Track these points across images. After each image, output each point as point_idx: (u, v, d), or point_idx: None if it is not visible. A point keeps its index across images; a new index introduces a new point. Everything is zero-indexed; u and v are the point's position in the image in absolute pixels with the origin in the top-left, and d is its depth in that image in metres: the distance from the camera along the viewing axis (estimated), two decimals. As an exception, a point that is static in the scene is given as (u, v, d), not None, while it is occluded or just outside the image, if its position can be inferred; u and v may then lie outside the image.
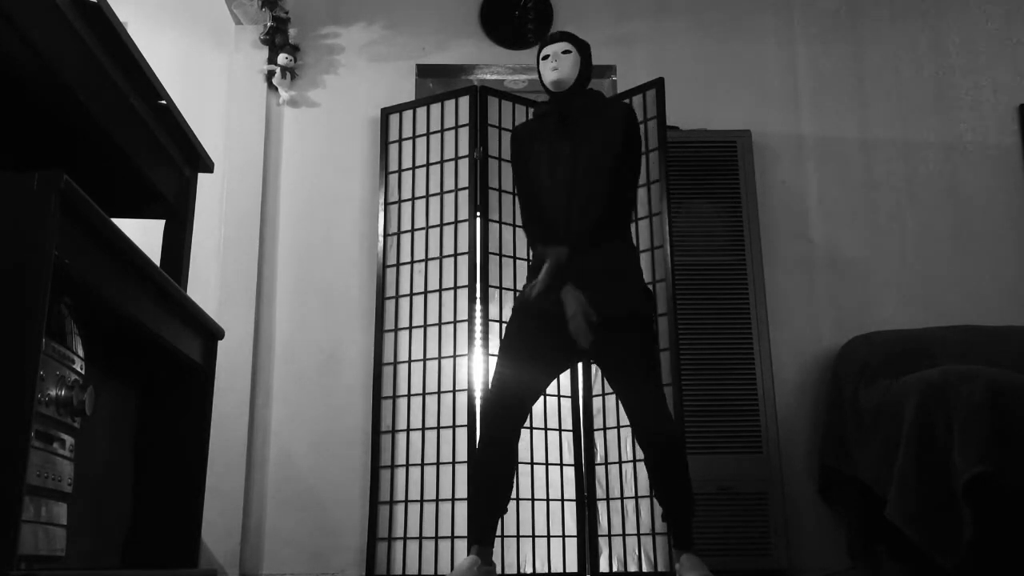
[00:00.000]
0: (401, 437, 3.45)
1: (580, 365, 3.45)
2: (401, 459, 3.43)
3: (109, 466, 2.01)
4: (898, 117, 4.18)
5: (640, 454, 3.24)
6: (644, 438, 2.58)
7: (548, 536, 3.29)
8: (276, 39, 4.01)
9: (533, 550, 3.26)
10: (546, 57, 2.82)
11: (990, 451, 2.62)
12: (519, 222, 3.55)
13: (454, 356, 3.42)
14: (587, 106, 2.80)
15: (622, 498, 3.26)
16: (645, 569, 3.14)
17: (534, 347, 2.64)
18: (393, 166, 3.78)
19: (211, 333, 2.25)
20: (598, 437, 3.38)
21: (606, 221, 2.67)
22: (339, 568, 3.61)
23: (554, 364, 2.72)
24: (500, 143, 3.62)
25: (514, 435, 2.63)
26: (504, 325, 3.39)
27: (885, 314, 3.87)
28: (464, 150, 3.62)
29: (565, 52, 2.79)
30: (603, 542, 3.29)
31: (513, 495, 3.24)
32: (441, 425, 3.38)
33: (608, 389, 3.38)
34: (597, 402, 3.41)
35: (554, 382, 3.41)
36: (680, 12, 4.25)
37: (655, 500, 2.65)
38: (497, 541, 3.17)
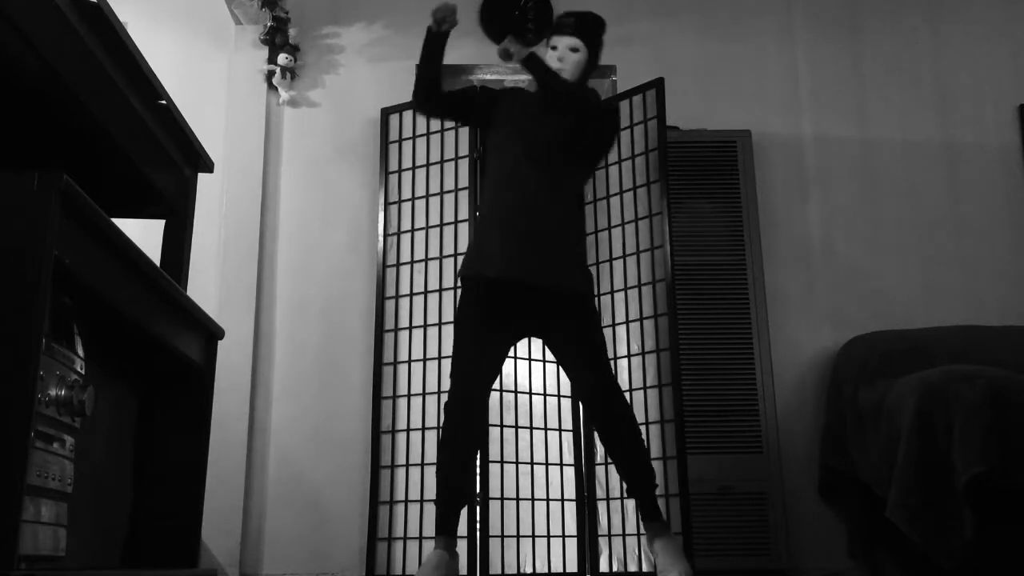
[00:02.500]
0: (401, 437, 3.45)
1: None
2: (401, 459, 3.43)
3: (109, 466, 2.01)
4: (898, 117, 4.18)
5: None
6: (601, 408, 2.66)
7: (548, 536, 3.29)
8: (276, 39, 4.01)
9: (533, 550, 3.26)
10: (555, 47, 2.77)
11: (990, 451, 2.62)
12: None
13: (454, 356, 3.42)
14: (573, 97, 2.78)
15: (622, 498, 3.26)
16: (645, 569, 3.14)
17: (483, 336, 2.69)
18: (393, 166, 3.78)
19: (211, 333, 2.25)
20: (598, 437, 3.38)
21: (568, 205, 2.79)
22: (339, 568, 3.61)
23: (505, 344, 2.77)
24: (500, 143, 3.61)
25: (480, 429, 2.74)
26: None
27: (885, 314, 3.87)
28: (464, 150, 3.62)
29: (573, 50, 2.75)
30: (603, 542, 3.29)
31: (513, 495, 3.25)
32: (441, 425, 3.38)
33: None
34: (597, 402, 3.41)
35: (554, 383, 3.44)
36: (680, 12, 4.25)
37: (620, 476, 2.73)
38: (496, 541, 3.18)
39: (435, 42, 2.77)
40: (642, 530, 3.17)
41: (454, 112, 2.99)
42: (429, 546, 3.26)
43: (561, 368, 2.93)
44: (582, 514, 3.35)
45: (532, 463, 3.34)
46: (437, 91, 2.83)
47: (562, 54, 2.75)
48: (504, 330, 2.74)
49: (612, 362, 3.21)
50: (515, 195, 2.72)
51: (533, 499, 3.31)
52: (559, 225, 2.73)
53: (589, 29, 2.79)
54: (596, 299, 3.54)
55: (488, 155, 2.91)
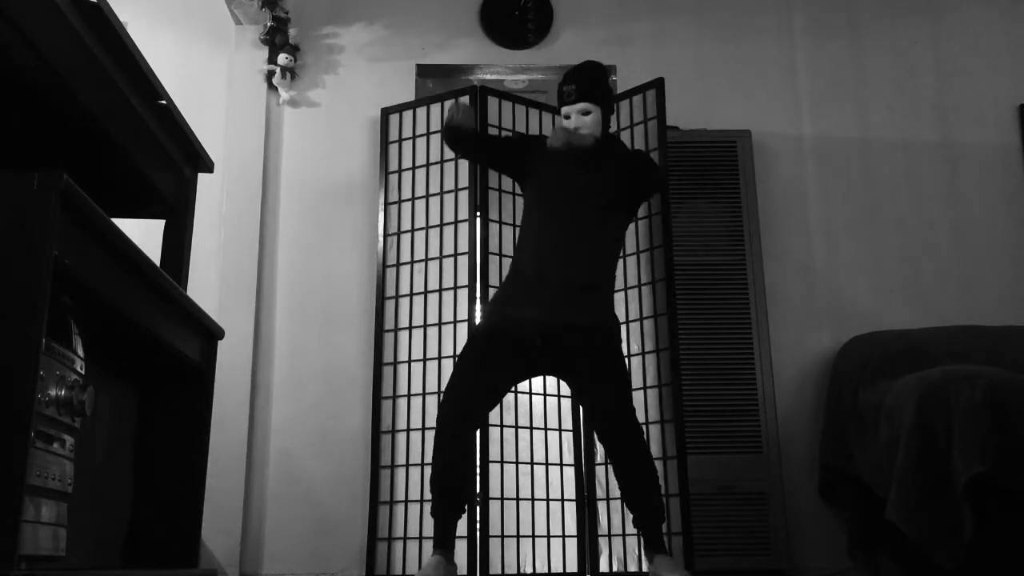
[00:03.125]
0: (401, 437, 3.45)
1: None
2: (401, 459, 3.43)
3: (109, 466, 2.01)
4: (898, 117, 4.18)
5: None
6: (617, 447, 2.70)
7: (548, 536, 3.29)
8: (276, 39, 4.01)
9: (533, 550, 3.26)
10: (567, 116, 2.83)
11: (990, 451, 2.62)
12: (519, 222, 3.55)
13: (454, 356, 3.41)
14: (604, 152, 2.86)
15: (622, 498, 3.25)
16: (645, 569, 3.14)
17: (492, 367, 2.73)
18: (393, 166, 3.78)
19: (211, 333, 2.25)
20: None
21: (601, 249, 2.82)
22: (339, 568, 3.61)
23: (511, 379, 2.84)
24: (500, 143, 3.62)
25: (473, 439, 2.77)
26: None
27: (885, 314, 3.87)
28: (464, 150, 3.62)
29: (585, 113, 2.82)
30: (603, 542, 3.29)
31: (513, 495, 3.25)
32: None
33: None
34: (597, 402, 3.41)
35: (553, 383, 3.44)
36: (680, 12, 4.25)
37: (624, 507, 2.84)
38: (496, 541, 3.18)
39: (460, 132, 2.89)
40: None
41: (492, 163, 3.13)
42: (429, 546, 3.26)
43: (581, 406, 2.97)
44: (582, 514, 3.34)
45: (532, 463, 3.34)
46: (473, 146, 2.95)
47: (577, 122, 2.82)
48: (519, 369, 2.80)
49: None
50: (553, 242, 2.76)
51: (533, 499, 3.31)
52: (594, 273, 2.78)
53: (591, 87, 2.83)
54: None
55: (526, 201, 2.94)
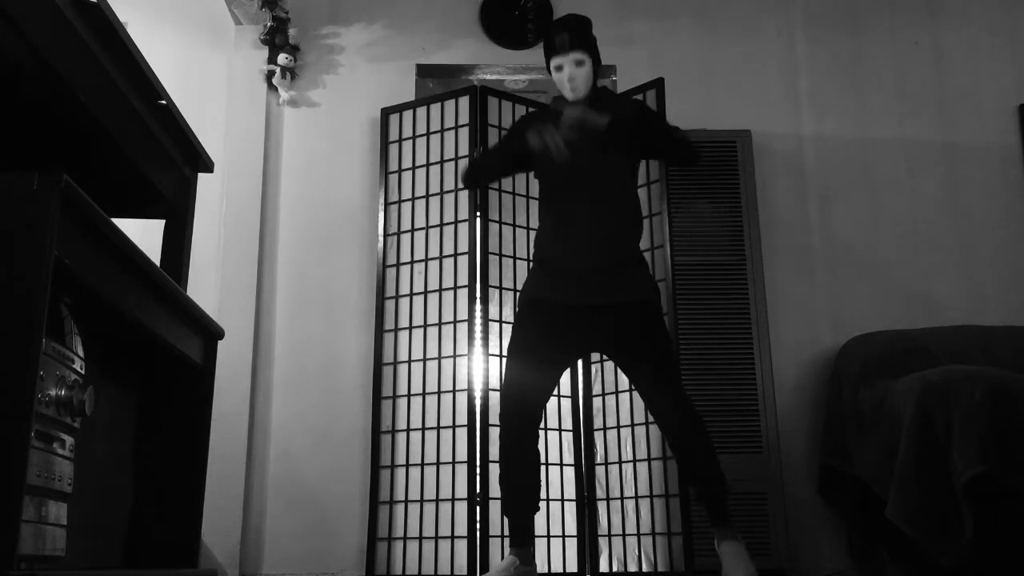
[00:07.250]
0: (401, 437, 3.45)
1: (580, 364, 3.45)
2: (401, 459, 3.43)
3: (109, 466, 2.01)
4: (898, 117, 4.18)
5: (640, 454, 3.25)
6: (677, 421, 2.62)
7: (548, 536, 3.29)
8: (276, 39, 4.01)
9: (533, 550, 3.25)
10: (560, 68, 2.69)
11: (990, 451, 2.62)
12: (519, 222, 3.55)
13: (454, 356, 3.42)
14: (602, 106, 2.75)
15: (622, 498, 3.26)
16: (645, 569, 3.14)
17: (542, 346, 2.69)
18: (393, 166, 3.78)
19: (211, 333, 2.25)
20: (598, 437, 3.38)
21: (625, 219, 2.75)
22: (339, 568, 3.60)
23: (563, 362, 2.79)
24: (500, 143, 3.61)
25: (534, 435, 2.69)
26: (504, 325, 3.40)
27: (885, 314, 3.87)
28: (464, 150, 3.62)
29: (579, 64, 2.68)
30: (603, 542, 3.29)
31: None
32: (441, 425, 3.38)
33: (609, 389, 3.38)
34: (597, 402, 3.41)
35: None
36: (680, 12, 4.25)
37: (688, 486, 2.82)
38: (496, 541, 3.18)
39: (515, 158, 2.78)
40: (642, 530, 3.17)
41: (506, 175, 3.00)
42: (429, 546, 3.27)
43: (633, 385, 2.89)
44: (582, 514, 3.35)
45: (532, 463, 3.34)
46: (486, 180, 2.92)
47: (571, 73, 2.68)
48: (567, 351, 2.76)
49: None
50: (574, 225, 2.69)
51: (533, 499, 3.30)
52: (622, 247, 2.72)
53: (584, 36, 2.71)
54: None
55: (541, 184, 2.85)
